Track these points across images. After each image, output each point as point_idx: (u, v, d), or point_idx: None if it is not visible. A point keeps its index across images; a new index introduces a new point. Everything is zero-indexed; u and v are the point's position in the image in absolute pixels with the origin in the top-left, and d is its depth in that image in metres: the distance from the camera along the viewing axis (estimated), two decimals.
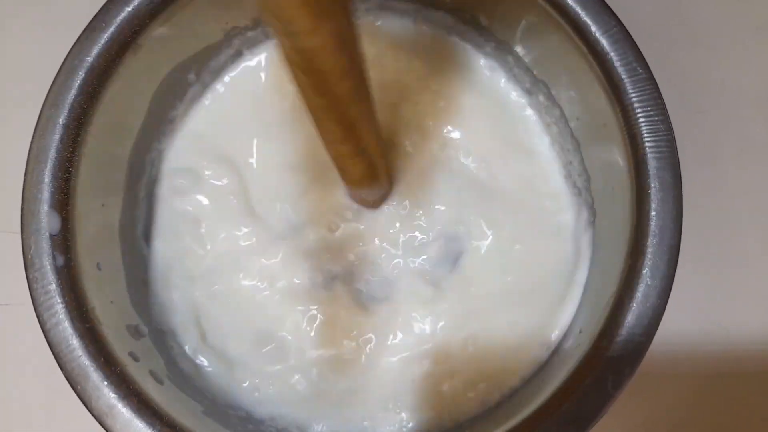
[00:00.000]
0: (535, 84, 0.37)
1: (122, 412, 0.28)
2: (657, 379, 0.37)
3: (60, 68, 0.31)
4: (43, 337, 0.35)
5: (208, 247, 0.36)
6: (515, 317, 0.35)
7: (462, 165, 0.37)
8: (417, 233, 0.36)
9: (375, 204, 0.36)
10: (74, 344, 0.29)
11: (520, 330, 0.35)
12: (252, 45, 0.39)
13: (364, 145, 0.28)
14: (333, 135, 0.27)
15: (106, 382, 0.28)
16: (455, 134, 0.37)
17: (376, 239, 0.36)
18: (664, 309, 0.28)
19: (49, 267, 0.29)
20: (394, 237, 0.36)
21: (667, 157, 0.29)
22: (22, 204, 0.30)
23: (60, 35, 0.33)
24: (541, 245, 0.36)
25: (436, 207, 0.36)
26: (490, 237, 0.36)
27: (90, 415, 0.32)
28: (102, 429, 0.28)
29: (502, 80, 0.38)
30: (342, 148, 0.28)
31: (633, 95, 0.30)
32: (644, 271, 0.29)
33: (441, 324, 0.35)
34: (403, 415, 0.34)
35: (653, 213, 0.29)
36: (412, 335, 0.35)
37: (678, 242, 0.29)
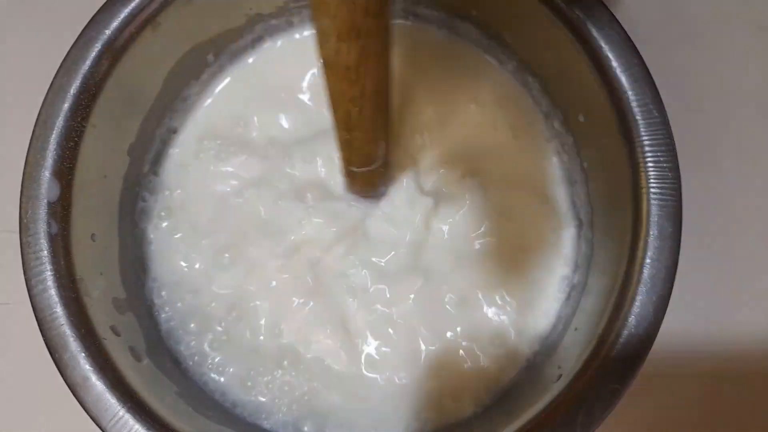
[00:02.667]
0: (551, 109, 0.36)
1: (95, 384, 0.29)
2: (658, 380, 0.37)
3: (77, 39, 0.31)
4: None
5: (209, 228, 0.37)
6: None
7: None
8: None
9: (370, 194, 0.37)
10: (58, 312, 0.29)
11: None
12: (274, 32, 0.39)
13: (374, 136, 0.29)
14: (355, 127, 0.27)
15: (83, 354, 0.29)
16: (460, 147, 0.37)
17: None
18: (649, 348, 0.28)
19: (42, 233, 0.30)
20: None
21: (670, 206, 0.29)
22: (24, 168, 0.30)
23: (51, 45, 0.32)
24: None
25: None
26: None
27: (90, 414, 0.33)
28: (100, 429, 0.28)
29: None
30: (358, 136, 0.29)
31: (645, 138, 0.30)
32: (629, 319, 0.28)
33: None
34: None
35: (647, 261, 0.29)
36: None
37: (669, 292, 0.29)
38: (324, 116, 0.31)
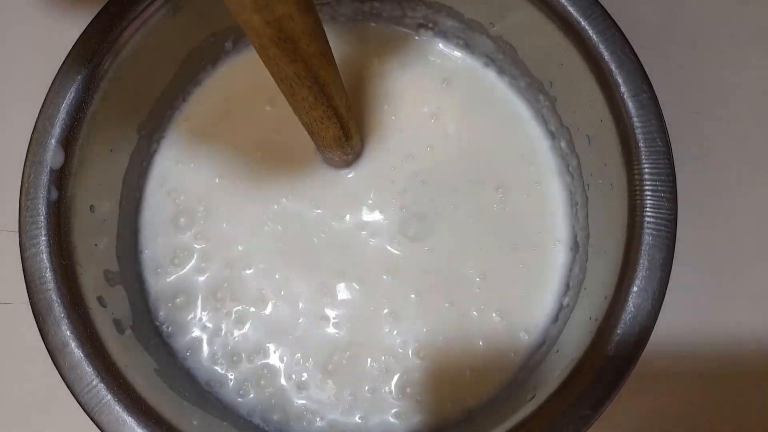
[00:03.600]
0: (560, 129, 0.36)
1: (74, 352, 0.29)
2: (656, 379, 0.37)
3: (98, 14, 0.32)
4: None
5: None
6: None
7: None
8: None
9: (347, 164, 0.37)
10: (47, 277, 0.30)
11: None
12: None
13: (334, 108, 0.29)
14: (305, 102, 0.28)
15: (66, 320, 0.29)
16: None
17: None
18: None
19: (42, 199, 0.31)
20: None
21: (663, 237, 0.28)
22: (32, 133, 0.31)
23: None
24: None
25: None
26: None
27: (90, 415, 0.33)
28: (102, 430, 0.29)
29: (528, 116, 0.38)
30: (314, 114, 0.29)
31: (645, 166, 0.29)
32: (609, 348, 0.28)
33: None
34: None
35: (635, 289, 0.28)
36: None
37: (652, 323, 0.28)
38: None
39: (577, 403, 0.27)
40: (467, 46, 0.38)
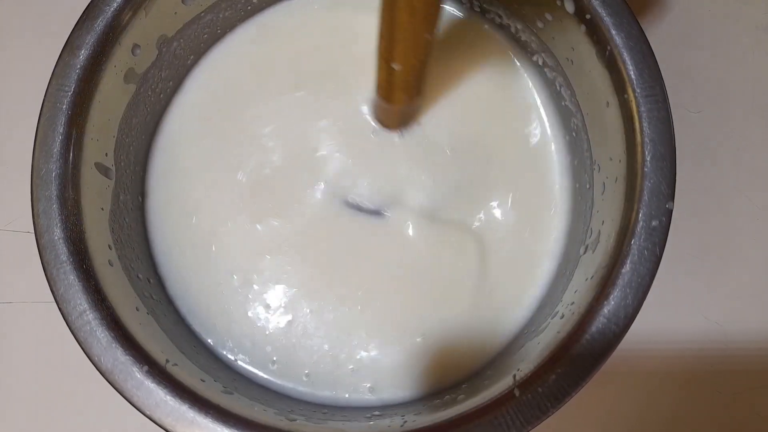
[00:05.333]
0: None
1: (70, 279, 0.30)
2: (646, 377, 0.38)
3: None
4: (44, 335, 0.38)
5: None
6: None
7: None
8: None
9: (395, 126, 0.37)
10: (52, 196, 0.30)
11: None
12: None
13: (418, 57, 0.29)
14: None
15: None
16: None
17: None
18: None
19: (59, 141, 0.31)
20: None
21: (656, 236, 0.28)
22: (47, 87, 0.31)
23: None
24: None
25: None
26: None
27: (90, 416, 0.36)
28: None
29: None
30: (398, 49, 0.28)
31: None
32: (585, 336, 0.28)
33: None
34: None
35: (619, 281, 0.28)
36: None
37: (625, 330, 0.28)
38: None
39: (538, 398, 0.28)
40: None
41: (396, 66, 0.29)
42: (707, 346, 0.38)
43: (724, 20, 0.42)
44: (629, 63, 0.29)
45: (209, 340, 0.36)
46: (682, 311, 0.38)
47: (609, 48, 0.30)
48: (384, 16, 0.27)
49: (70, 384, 0.38)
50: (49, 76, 0.30)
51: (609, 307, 0.28)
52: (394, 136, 0.37)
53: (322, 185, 0.36)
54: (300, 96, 0.38)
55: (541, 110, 0.37)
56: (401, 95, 0.32)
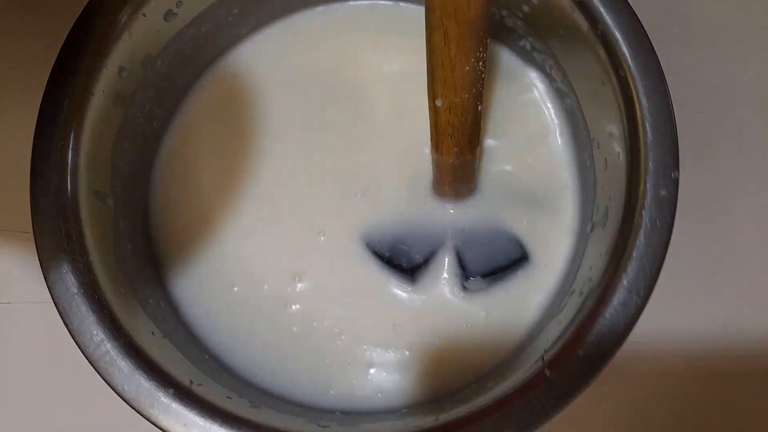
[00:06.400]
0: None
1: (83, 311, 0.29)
2: (646, 377, 0.38)
3: None
4: (44, 336, 0.37)
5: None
6: None
7: None
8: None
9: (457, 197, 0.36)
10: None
11: None
12: None
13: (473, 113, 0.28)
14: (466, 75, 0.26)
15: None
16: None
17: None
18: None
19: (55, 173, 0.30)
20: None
21: (659, 236, 0.28)
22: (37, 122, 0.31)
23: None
24: None
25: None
26: None
27: (90, 416, 0.35)
28: None
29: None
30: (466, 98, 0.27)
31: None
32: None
33: None
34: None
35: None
36: None
37: (623, 339, 0.28)
38: None
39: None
40: None
41: (438, 102, 0.28)
42: (708, 346, 0.38)
43: (724, 20, 0.42)
44: (622, 41, 0.30)
45: (229, 360, 0.35)
46: (683, 311, 0.38)
47: (600, 26, 0.30)
48: (426, 43, 0.25)
49: (70, 384, 0.38)
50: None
51: (628, 278, 0.28)
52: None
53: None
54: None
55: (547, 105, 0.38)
56: (448, 143, 0.30)
